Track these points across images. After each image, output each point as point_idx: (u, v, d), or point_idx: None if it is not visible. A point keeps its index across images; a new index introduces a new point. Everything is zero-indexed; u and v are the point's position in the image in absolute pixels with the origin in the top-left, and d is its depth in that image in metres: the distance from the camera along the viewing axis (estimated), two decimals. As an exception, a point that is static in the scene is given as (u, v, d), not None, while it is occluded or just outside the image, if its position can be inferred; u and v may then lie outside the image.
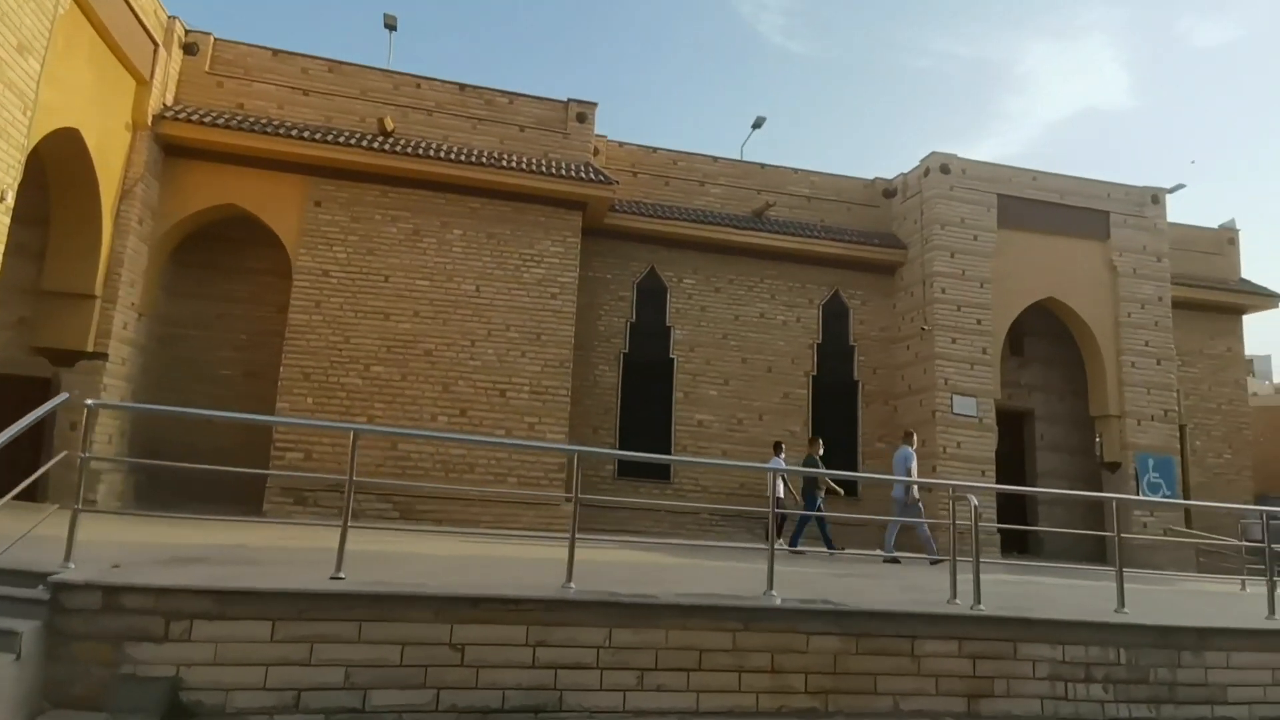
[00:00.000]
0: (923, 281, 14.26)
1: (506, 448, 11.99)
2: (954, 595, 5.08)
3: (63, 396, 4.91)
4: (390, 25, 12.91)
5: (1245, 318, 17.06)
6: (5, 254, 8.09)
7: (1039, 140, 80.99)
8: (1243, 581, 8.58)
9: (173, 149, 11.38)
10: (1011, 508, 14.84)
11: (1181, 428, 15.49)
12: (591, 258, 13.90)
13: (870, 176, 15.90)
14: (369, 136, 11.81)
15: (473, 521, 11.30)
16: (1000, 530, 13.25)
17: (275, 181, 11.51)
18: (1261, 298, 16.76)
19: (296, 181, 11.59)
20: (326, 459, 11.13)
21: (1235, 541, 9.73)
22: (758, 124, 15.44)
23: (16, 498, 4.21)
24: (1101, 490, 14.55)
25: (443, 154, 11.91)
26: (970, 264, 14.18)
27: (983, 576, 8.04)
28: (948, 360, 13.79)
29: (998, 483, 13.77)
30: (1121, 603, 5.36)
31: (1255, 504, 15.28)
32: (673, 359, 14.13)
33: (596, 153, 14.07)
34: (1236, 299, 16.62)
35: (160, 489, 11.23)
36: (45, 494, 8.02)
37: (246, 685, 3.74)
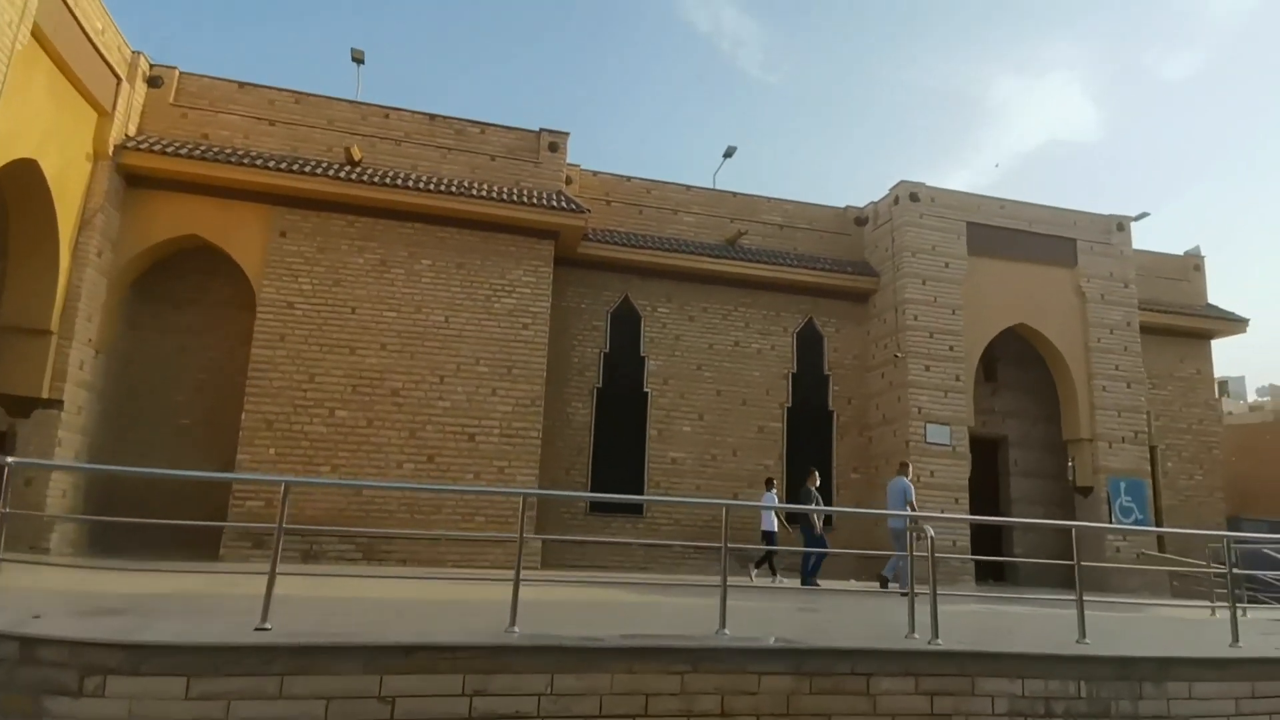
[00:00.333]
0: (895, 308, 14.32)
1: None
2: (913, 629, 4.95)
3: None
4: (358, 59, 12.94)
5: (1216, 341, 17.29)
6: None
7: (1010, 171, 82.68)
8: (1213, 608, 8.51)
9: (134, 179, 11.26)
10: (987, 537, 14.78)
11: (1153, 449, 15.55)
12: (565, 287, 13.84)
13: (843, 205, 16.05)
14: (335, 166, 11.74)
15: (439, 562, 11.03)
16: (974, 559, 13.19)
17: (239, 211, 11.39)
18: (1228, 322, 16.99)
19: (261, 211, 11.46)
20: (288, 506, 10.81)
21: (1199, 567, 9.68)
22: (729, 153, 15.58)
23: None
24: (1075, 516, 14.54)
25: (411, 183, 11.86)
26: (941, 291, 14.27)
27: (952, 608, 7.96)
28: (921, 388, 13.79)
29: (972, 510, 13.71)
30: (1082, 633, 5.25)
31: (1227, 527, 15.33)
32: (647, 392, 14.02)
33: (569, 182, 14.10)
34: (1204, 323, 16.84)
35: (116, 537, 10.90)
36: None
37: (162, 745, 3.53)
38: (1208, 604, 8.82)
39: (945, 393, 13.87)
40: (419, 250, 12.07)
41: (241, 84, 12.06)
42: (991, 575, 14.67)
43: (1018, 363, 15.52)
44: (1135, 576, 13.25)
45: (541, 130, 13.31)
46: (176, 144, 11.26)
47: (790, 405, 14.49)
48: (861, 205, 15.86)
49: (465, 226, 12.29)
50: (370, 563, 10.84)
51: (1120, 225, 15.51)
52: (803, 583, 10.72)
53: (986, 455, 15.07)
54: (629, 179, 15.04)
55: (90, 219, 10.77)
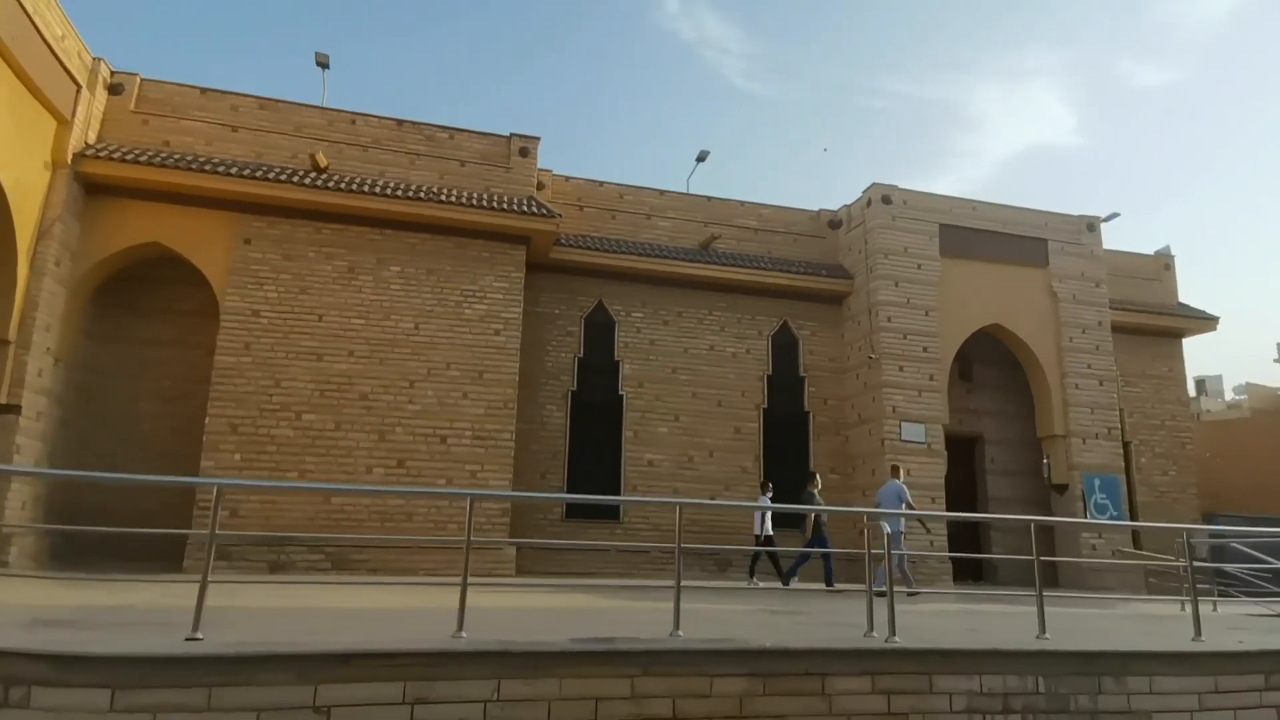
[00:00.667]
0: (869, 310, 14.34)
1: (448, 496, 11.66)
2: (871, 628, 4.89)
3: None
4: (322, 64, 12.83)
5: (1193, 340, 17.48)
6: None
7: (991, 177, 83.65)
8: (1182, 603, 8.50)
9: (94, 188, 11.07)
10: (966, 537, 14.80)
11: (1126, 445, 15.68)
12: (538, 293, 13.77)
13: (817, 209, 16.10)
14: (301, 172, 11.61)
15: (411, 571, 10.86)
16: (951, 559, 13.19)
17: (202, 219, 11.22)
18: (1199, 321, 17.17)
19: (224, 219, 11.30)
20: (254, 515, 10.66)
21: (1170, 563, 9.71)
22: (701, 157, 15.57)
23: None
24: (1051, 513, 14.60)
25: (379, 189, 11.75)
26: (915, 292, 14.32)
27: (924, 607, 7.95)
28: (896, 388, 13.81)
29: (948, 509, 13.72)
30: (1043, 629, 5.21)
31: (1203, 523, 15.44)
32: (622, 395, 13.94)
33: (541, 187, 14.03)
34: (1175, 322, 17.01)
35: (78, 550, 10.67)
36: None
37: (87, 760, 3.40)
38: (1180, 599, 8.82)
39: (920, 392, 13.90)
40: (388, 257, 11.95)
41: (204, 90, 11.91)
42: (970, 575, 14.67)
43: (993, 363, 15.60)
44: (1111, 574, 13.31)
45: (512, 135, 13.24)
46: (137, 151, 11.09)
47: (766, 407, 14.46)
48: (835, 209, 15.91)
49: (435, 232, 12.19)
50: (340, 573, 10.65)
51: (1091, 226, 15.65)
52: (784, 582, 10.66)
53: (963, 453, 15.13)
54: (602, 184, 15.00)
55: (49, 229, 10.58)
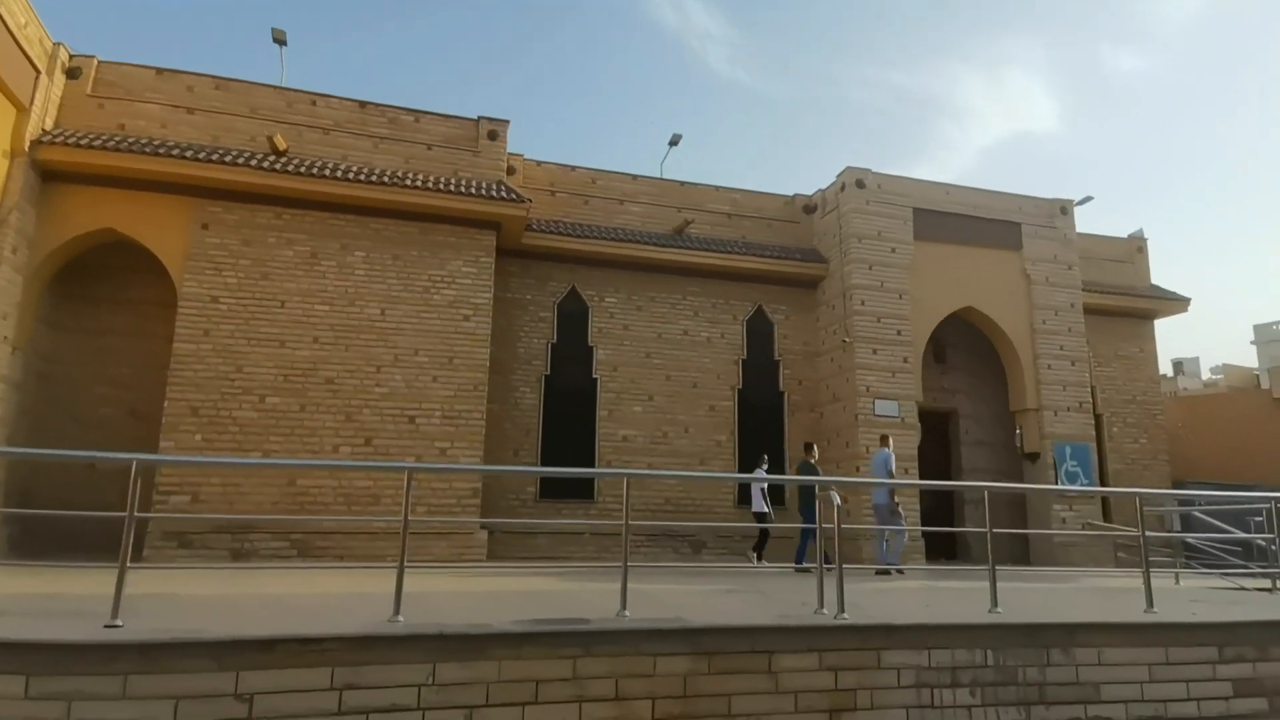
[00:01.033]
0: (843, 295, 14.30)
1: (418, 474, 11.49)
2: (821, 605, 4.84)
3: None
4: (279, 40, 12.50)
5: (1172, 323, 17.60)
6: None
7: (974, 165, 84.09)
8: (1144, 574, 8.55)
9: (51, 175, 10.77)
10: (940, 512, 14.88)
11: (1098, 417, 15.82)
12: (509, 279, 13.61)
13: (791, 193, 16.00)
14: (259, 156, 11.35)
15: (379, 556, 10.73)
16: (924, 535, 13.24)
17: (157, 204, 10.95)
18: (1171, 302, 17.29)
19: (180, 204, 11.04)
20: (216, 500, 10.47)
21: (1127, 533, 9.76)
22: (674, 141, 15.42)
23: None
24: (1024, 482, 14.71)
25: (341, 173, 11.52)
26: (888, 276, 14.28)
27: (885, 584, 7.94)
28: (869, 370, 13.80)
29: (924, 479, 13.81)
30: (995, 603, 5.19)
31: (1173, 489, 15.63)
32: (596, 379, 13.84)
33: (512, 171, 13.84)
34: (1147, 304, 17.11)
35: (37, 539, 10.44)
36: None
37: (1, 750, 3.28)
38: (1157, 572, 8.86)
39: (893, 374, 13.90)
40: (352, 242, 11.73)
41: (159, 70, 11.60)
42: (944, 553, 14.75)
43: (967, 347, 15.64)
44: (1080, 548, 13.44)
45: (480, 118, 13.02)
46: (90, 136, 10.79)
47: (741, 387, 14.43)
48: (810, 193, 15.83)
49: (401, 218, 11.98)
50: (305, 559, 10.49)
51: (1064, 209, 15.66)
52: (798, 564, 10.15)
53: (939, 426, 15.19)
54: (574, 169, 14.81)
55: (5, 217, 10.29)
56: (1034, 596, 6.69)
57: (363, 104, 12.40)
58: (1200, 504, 10.21)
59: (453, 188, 12.03)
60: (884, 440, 11.03)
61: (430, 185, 11.89)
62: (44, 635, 3.48)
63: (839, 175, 14.94)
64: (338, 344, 11.38)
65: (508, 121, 13.13)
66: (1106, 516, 14.58)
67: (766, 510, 11.53)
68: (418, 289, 11.94)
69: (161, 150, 10.85)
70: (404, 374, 11.59)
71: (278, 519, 10.32)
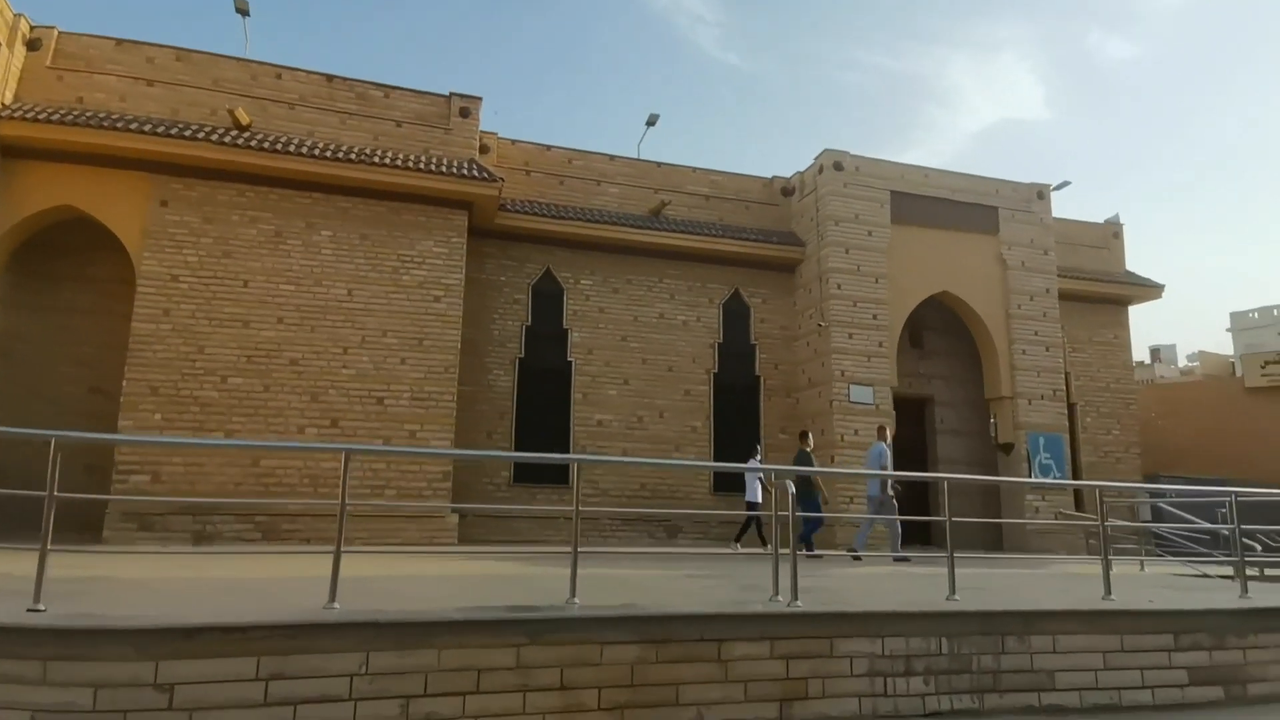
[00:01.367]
0: (819, 278, 14.20)
1: (387, 457, 11.33)
2: (776, 592, 4.76)
3: None
4: (242, 10, 12.10)
5: (1149, 309, 17.67)
6: None
7: (962, 150, 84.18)
8: (1110, 562, 8.58)
9: (8, 150, 10.41)
10: (915, 499, 14.90)
11: (1072, 406, 15.89)
12: (483, 259, 13.39)
13: (769, 175, 15.85)
14: (221, 130, 11.03)
15: (347, 540, 10.53)
16: (900, 522, 13.24)
17: (114, 180, 10.62)
18: (1145, 289, 17.35)
19: (138, 180, 10.71)
20: (178, 480, 10.26)
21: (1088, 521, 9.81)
22: (651, 121, 15.18)
23: None
24: (998, 473, 14.77)
25: (306, 150, 11.22)
26: (865, 259, 14.20)
27: (848, 570, 7.90)
28: (844, 354, 13.74)
29: (899, 468, 13.75)
30: (953, 590, 5.14)
31: (1145, 482, 15.76)
32: (571, 362, 13.70)
33: (486, 150, 13.57)
34: (1122, 290, 17.15)
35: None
36: None
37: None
38: (1127, 559, 8.93)
39: (869, 358, 13.86)
40: (318, 221, 11.46)
41: (119, 41, 11.21)
42: (918, 539, 14.80)
43: (943, 330, 15.61)
44: (1053, 535, 13.52)
45: (452, 95, 12.73)
46: (49, 110, 10.42)
47: (717, 372, 14.34)
48: (789, 175, 15.68)
49: (369, 196, 11.71)
50: (270, 541, 10.31)
51: (1040, 194, 15.62)
52: (808, 550, 10.01)
53: (914, 414, 15.18)
54: (550, 148, 14.56)
55: (-40, 193, 9.97)
56: (997, 583, 6.67)
57: (330, 78, 12.08)
58: (1161, 498, 10.28)
59: (423, 166, 11.77)
60: (880, 432, 11.00)
61: (400, 163, 11.62)
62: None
63: (817, 157, 14.80)
64: (303, 325, 11.14)
65: (480, 99, 12.85)
66: (1080, 505, 14.66)
67: (759, 500, 11.36)
68: (386, 269, 11.70)
69: (120, 124, 10.51)
70: (372, 355, 11.38)
71: (235, 501, 10.09)
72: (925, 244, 14.57)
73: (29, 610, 3.56)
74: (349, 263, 11.52)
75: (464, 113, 12.75)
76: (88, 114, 10.57)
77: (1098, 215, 18.32)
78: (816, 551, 10.48)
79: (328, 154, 11.26)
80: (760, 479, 11.39)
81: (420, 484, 11.32)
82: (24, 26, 10.76)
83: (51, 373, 11.07)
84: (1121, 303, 17.27)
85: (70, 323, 11.26)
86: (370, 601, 4.34)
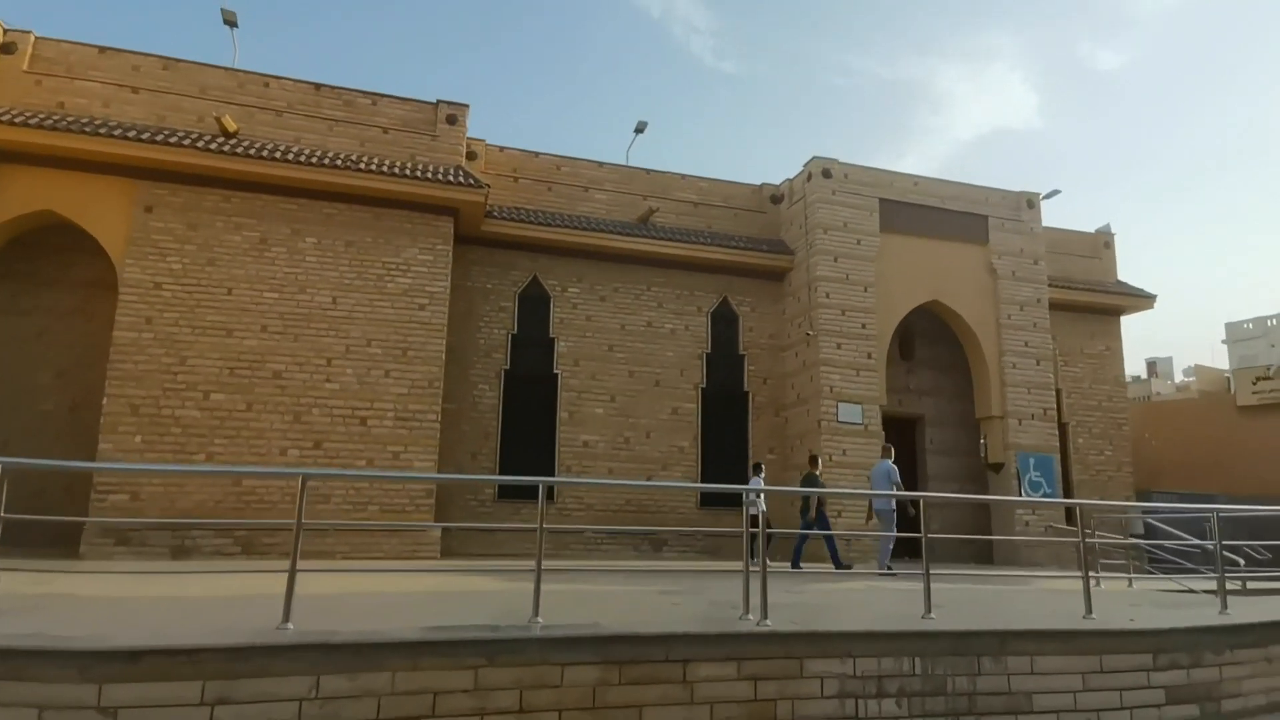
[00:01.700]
0: (808, 286, 14.14)
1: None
2: (747, 610, 4.67)
3: None
4: (230, 22, 12.07)
5: (1144, 321, 17.63)
6: None
7: (954, 157, 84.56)
8: (1098, 579, 8.50)
9: (-15, 153, 10.34)
10: (903, 516, 14.78)
11: (1064, 425, 15.79)
12: (469, 266, 13.32)
13: (759, 183, 15.81)
14: (207, 137, 10.96)
15: (328, 554, 10.44)
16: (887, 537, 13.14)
17: (97, 185, 10.53)
18: (1137, 298, 17.30)
19: (122, 185, 10.62)
20: (157, 499, 10.14)
21: (1069, 539, 9.72)
22: (640, 128, 15.15)
23: None
24: (988, 492, 14.69)
25: (291, 156, 11.15)
26: (853, 268, 14.15)
27: (828, 586, 7.79)
28: (833, 366, 13.66)
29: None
30: (928, 608, 5.05)
31: (1136, 500, 15.68)
32: (557, 373, 13.60)
33: (474, 157, 13.53)
34: (1113, 300, 17.10)
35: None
36: None
37: None
38: (1119, 575, 8.84)
39: (857, 370, 13.78)
40: (303, 228, 11.38)
41: (102, 49, 11.15)
42: (907, 554, 14.69)
43: (933, 340, 15.55)
44: (1042, 549, 13.43)
45: (439, 102, 12.69)
46: (26, 114, 10.35)
47: (705, 386, 14.24)
48: (778, 183, 15.65)
49: (354, 202, 11.64)
50: (250, 557, 10.20)
51: (1030, 202, 15.59)
52: (795, 567, 10.31)
53: (904, 433, 15.06)
54: (538, 155, 14.52)
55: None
56: (978, 599, 6.58)
57: (317, 86, 12.03)
58: (1145, 515, 10.20)
59: (408, 172, 11.70)
60: (886, 451, 11.00)
61: (384, 169, 11.55)
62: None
63: (806, 164, 14.76)
64: (286, 333, 11.05)
65: (467, 105, 12.82)
66: (1071, 519, 14.57)
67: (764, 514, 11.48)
68: (371, 276, 11.62)
69: (102, 130, 10.43)
70: (355, 367, 11.27)
71: (196, 522, 9.95)
72: (914, 252, 14.53)
73: (-31, 631, 3.46)
74: (333, 269, 11.43)
75: (451, 119, 12.70)
76: (69, 119, 10.50)
77: (1090, 223, 18.25)
78: (802, 566, 10.46)
79: (313, 160, 11.19)
80: (763, 499, 11.44)
81: (403, 500, 11.22)
82: (-4, 30, 10.69)
83: (29, 385, 10.92)
84: (1113, 313, 17.23)
85: (48, 326, 11.15)
86: (328, 621, 4.24)
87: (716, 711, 4.10)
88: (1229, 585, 7.97)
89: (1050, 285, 15.55)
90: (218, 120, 10.93)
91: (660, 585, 6.83)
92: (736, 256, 14.53)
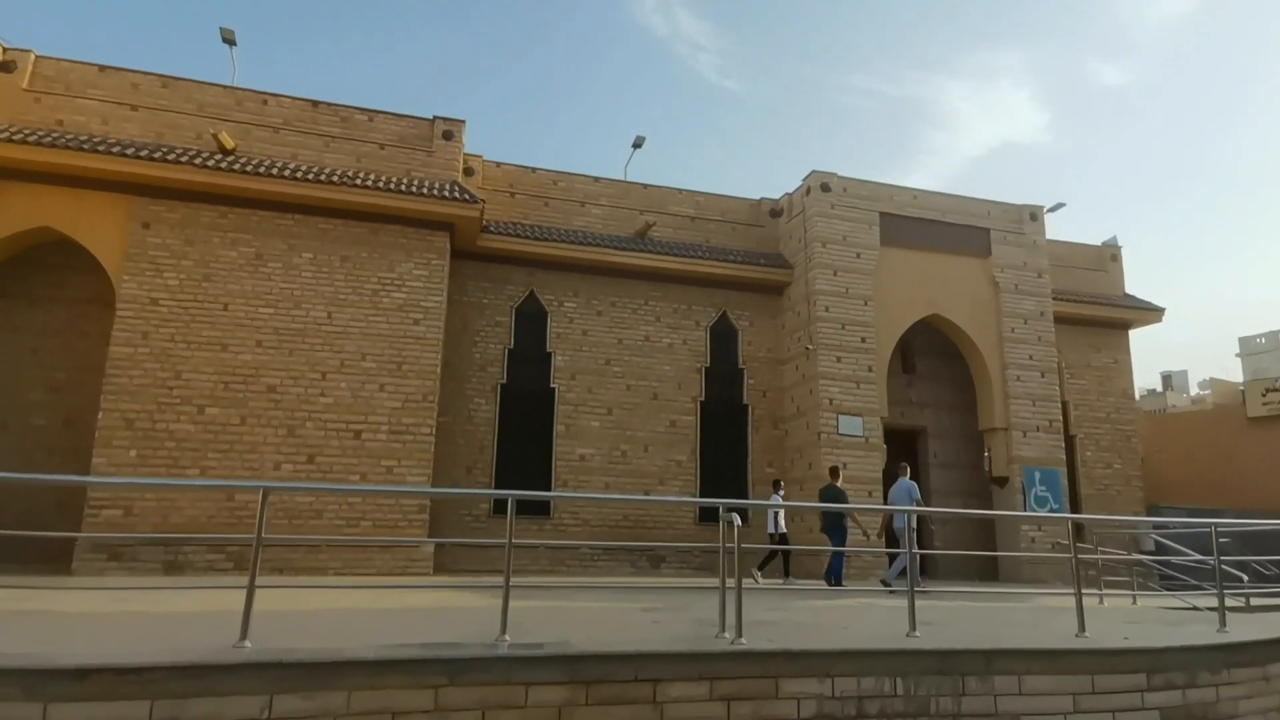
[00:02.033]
0: (807, 300, 14.04)
1: (360, 492, 11.16)
2: (723, 628, 4.55)
3: None
4: (229, 40, 12.21)
5: (1159, 335, 17.42)
6: None
7: (961, 174, 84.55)
8: (1100, 596, 8.30)
9: (-15, 170, 10.45)
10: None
11: (1071, 438, 15.55)
12: (465, 281, 13.33)
13: (758, 197, 15.78)
14: (205, 154, 11.04)
15: (320, 570, 10.40)
16: (888, 555, 12.93)
17: (95, 202, 10.62)
18: (1145, 312, 17.08)
19: (120, 202, 10.71)
20: (150, 514, 10.12)
21: (1058, 556, 9.51)
22: (638, 143, 15.16)
23: None
24: (992, 506, 14.45)
25: (288, 172, 11.21)
26: (853, 281, 14.04)
27: (816, 604, 7.62)
28: (832, 379, 13.53)
29: (889, 503, 13.44)
30: (913, 626, 4.90)
31: (1146, 514, 15.37)
32: (554, 388, 13.53)
33: (470, 172, 13.59)
34: (1121, 313, 16.89)
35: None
36: None
37: None
38: (1124, 592, 8.62)
39: (857, 384, 13.63)
40: (298, 243, 11.42)
41: (102, 67, 11.30)
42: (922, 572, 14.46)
43: (936, 354, 15.38)
44: (1046, 567, 13.17)
45: (435, 118, 12.76)
46: (25, 131, 10.47)
47: (703, 399, 14.13)
48: (777, 197, 15.61)
49: (349, 218, 11.68)
50: (242, 572, 10.12)
51: (1033, 215, 15.46)
52: (837, 583, 10.12)
53: (906, 447, 14.86)
54: (535, 170, 14.56)
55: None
56: (970, 617, 6.40)
57: (315, 103, 12.13)
58: (1150, 531, 9.96)
59: (404, 188, 11.74)
60: (903, 470, 10.79)
61: (380, 185, 11.60)
62: None
63: (804, 178, 14.72)
64: (281, 348, 11.05)
65: (464, 121, 12.89)
66: (1079, 537, 14.28)
67: (784, 531, 11.49)
68: (366, 291, 11.63)
69: (100, 147, 10.54)
70: (349, 381, 11.25)
71: (163, 536, 9.91)
72: (915, 266, 14.41)
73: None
74: (329, 285, 11.45)
75: (447, 135, 12.76)
76: (67, 136, 10.61)
77: (1102, 239, 18.05)
78: (794, 581, 10.31)
79: (309, 175, 11.24)
80: (782, 514, 11.48)
81: (396, 516, 11.14)
82: (-5, 48, 10.84)
83: (23, 401, 10.97)
84: (1121, 326, 17.01)
85: (43, 343, 11.21)
86: (291, 639, 4.15)
87: (687, 733, 3.96)
88: (1233, 602, 7.78)
89: (1055, 298, 15.38)
90: (215, 137, 11.02)
91: (646, 602, 6.70)
92: (734, 271, 14.46)
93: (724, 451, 14.03)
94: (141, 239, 10.81)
